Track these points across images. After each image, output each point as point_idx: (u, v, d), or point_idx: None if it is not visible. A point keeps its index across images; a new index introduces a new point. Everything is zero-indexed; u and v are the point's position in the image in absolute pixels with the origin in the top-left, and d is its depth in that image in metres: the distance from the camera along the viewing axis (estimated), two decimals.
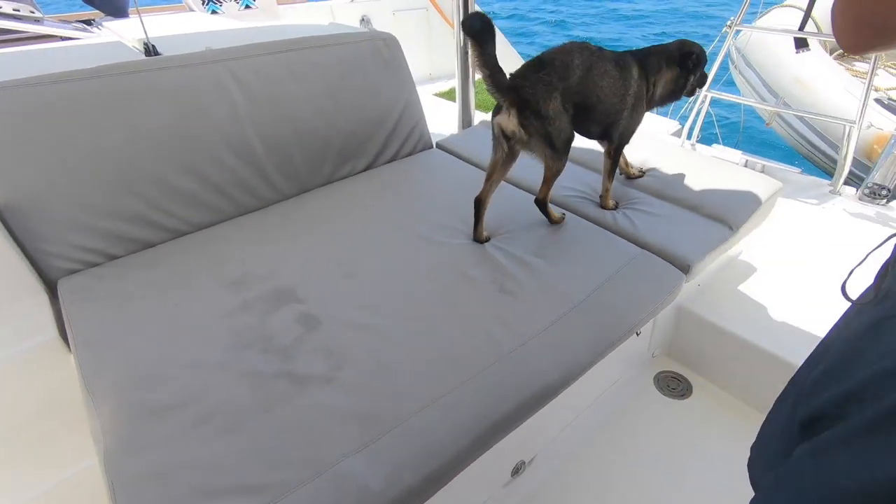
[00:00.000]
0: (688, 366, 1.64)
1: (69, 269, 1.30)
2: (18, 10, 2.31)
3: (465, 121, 2.28)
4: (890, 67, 4.67)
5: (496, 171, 1.35)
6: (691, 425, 1.47)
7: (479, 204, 1.37)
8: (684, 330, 1.62)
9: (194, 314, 1.14)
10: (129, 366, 1.02)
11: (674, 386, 1.59)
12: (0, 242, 1.20)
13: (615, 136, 1.43)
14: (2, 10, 2.27)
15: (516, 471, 1.24)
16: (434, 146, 2.02)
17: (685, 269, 1.33)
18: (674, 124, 2.86)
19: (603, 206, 1.53)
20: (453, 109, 2.39)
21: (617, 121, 1.39)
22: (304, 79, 1.62)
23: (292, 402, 0.93)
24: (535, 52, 1.39)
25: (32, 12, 2.37)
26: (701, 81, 1.48)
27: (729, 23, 2.45)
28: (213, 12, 3.31)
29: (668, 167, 1.71)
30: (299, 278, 1.24)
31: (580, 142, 1.42)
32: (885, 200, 2.09)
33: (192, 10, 3.20)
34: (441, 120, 2.67)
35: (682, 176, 1.66)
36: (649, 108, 1.46)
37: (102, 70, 1.31)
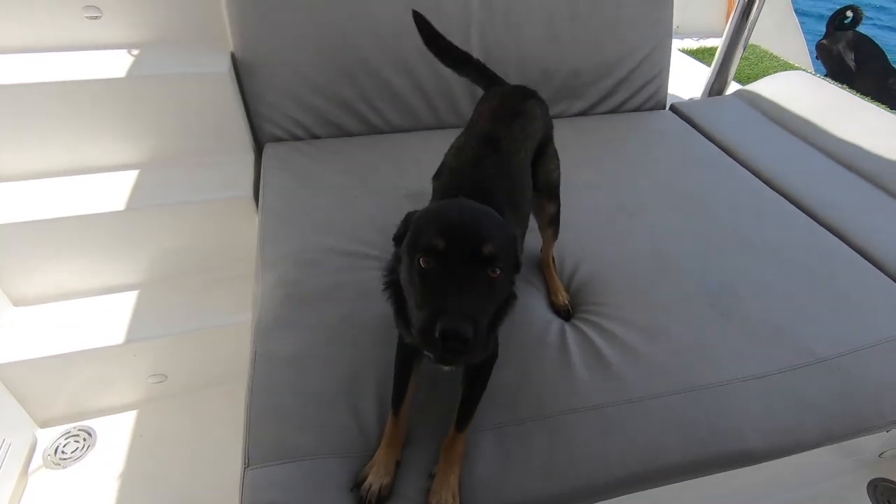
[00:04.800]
0: None
1: (276, 136, 1.35)
2: None
3: (717, 86, 1.84)
4: None
5: None
6: None
7: None
8: None
9: (366, 213, 1.10)
10: (298, 246, 1.01)
11: None
12: (230, 95, 1.28)
13: None
14: None
15: None
16: (667, 107, 1.67)
17: None
18: None
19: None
20: (700, 73, 1.96)
21: None
22: None
23: None
24: None
25: None
26: None
27: None
28: None
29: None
30: None
31: None
32: None
33: None
34: (681, 79, 2.20)
35: None
36: None
37: None
